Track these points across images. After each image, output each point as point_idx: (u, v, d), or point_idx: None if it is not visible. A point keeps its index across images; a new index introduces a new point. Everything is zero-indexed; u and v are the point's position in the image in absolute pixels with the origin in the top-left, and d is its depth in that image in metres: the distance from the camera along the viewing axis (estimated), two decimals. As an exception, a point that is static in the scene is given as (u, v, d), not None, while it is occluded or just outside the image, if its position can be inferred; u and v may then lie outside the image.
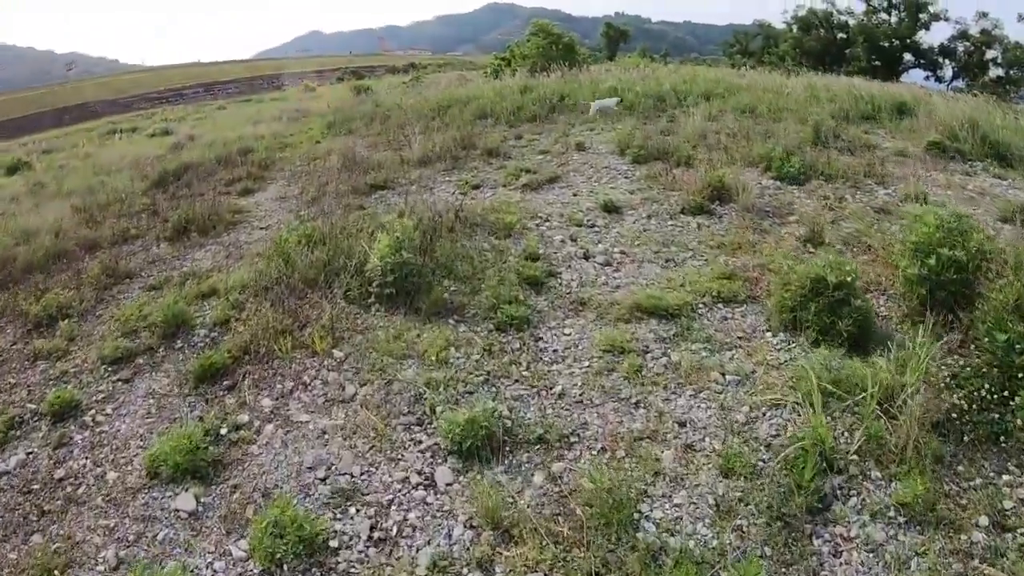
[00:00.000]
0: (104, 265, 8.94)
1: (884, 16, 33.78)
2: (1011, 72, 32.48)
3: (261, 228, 10.39)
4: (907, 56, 34.34)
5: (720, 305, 6.78)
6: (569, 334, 6.35)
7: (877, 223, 8.62)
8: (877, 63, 32.90)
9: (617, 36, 50.14)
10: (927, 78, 34.31)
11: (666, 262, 7.71)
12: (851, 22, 35.06)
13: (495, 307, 6.57)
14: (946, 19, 33.74)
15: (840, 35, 34.86)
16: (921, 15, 33.29)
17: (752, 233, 8.38)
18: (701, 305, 6.78)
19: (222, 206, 11.23)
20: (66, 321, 7.56)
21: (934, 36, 33.98)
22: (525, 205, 9.66)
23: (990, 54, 33.06)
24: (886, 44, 33.41)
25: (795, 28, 37.46)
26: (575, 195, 10.09)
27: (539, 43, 22.47)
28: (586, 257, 7.80)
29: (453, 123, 15.46)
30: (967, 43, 33.15)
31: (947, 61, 33.94)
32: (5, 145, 25.93)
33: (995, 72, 33.30)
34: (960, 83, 33.65)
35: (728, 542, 4.20)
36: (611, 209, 9.21)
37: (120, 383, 6.39)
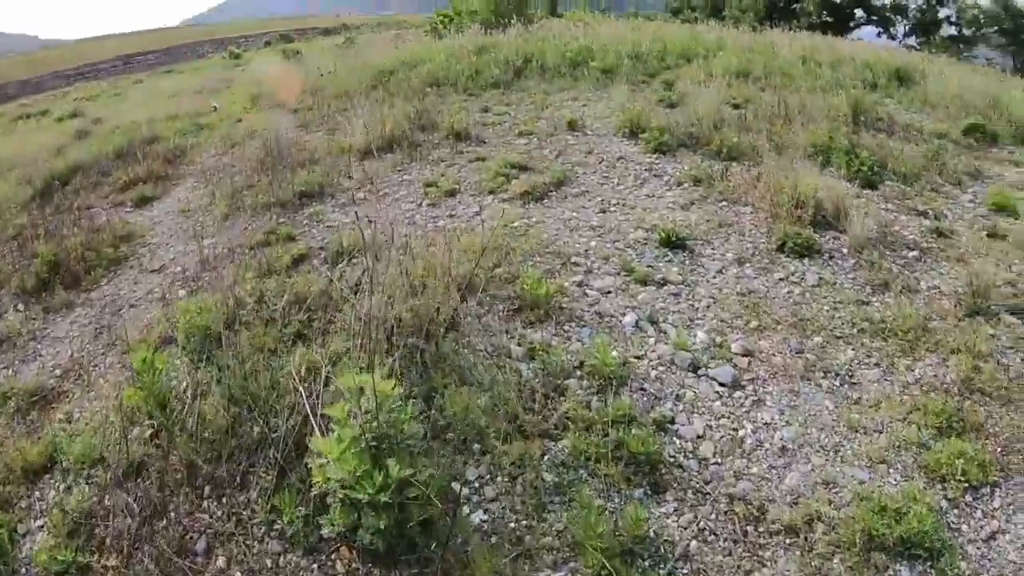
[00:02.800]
0: None
1: (836, -29, 30.37)
2: (964, 31, 29.74)
3: (152, 271, 6.50)
4: (858, 12, 31.19)
5: (967, 497, 3.37)
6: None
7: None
8: (828, 19, 29.48)
9: (558, -11, 43.86)
10: (879, 35, 31.11)
11: (824, 376, 4.12)
12: (801, -24, 31.45)
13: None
14: (899, -25, 30.67)
15: (790, -11, 31.27)
16: (875, -30, 30.19)
17: (902, 298, 4.98)
18: (944, 502, 3.33)
19: (103, 235, 7.27)
20: None
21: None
22: (539, 234, 5.92)
23: (943, 12, 30.14)
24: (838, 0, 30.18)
25: (743, -19, 33.37)
26: (604, 211, 6.40)
27: (488, -3, 18.03)
28: (695, 369, 4.12)
29: (400, 93, 11.33)
30: (920, 1, 30.24)
31: (899, 18, 30.89)
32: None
33: (948, 31, 30.56)
34: (912, 40, 30.72)
35: None
36: (675, 244, 5.57)
37: None
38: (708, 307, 4.79)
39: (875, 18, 31.11)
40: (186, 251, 6.66)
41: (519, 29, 15.12)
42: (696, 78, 11.01)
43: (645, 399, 3.87)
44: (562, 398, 3.78)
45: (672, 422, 3.70)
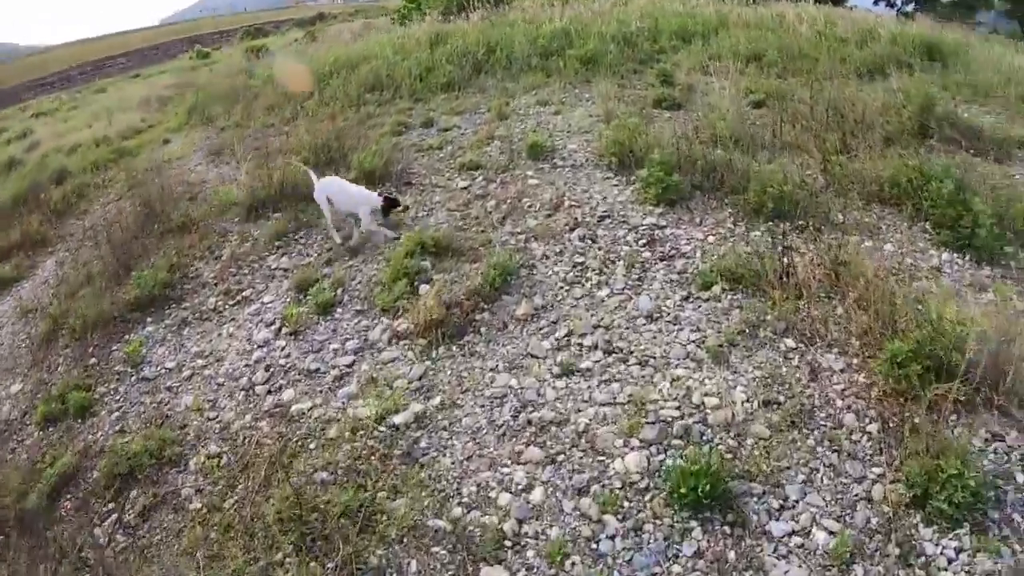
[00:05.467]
0: None
1: (829, -63, 25.83)
2: (969, -5, 25.36)
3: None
4: (854, -20, 27.09)
5: None
6: None
7: None
8: (823, -13, 25.54)
9: (533, -38, 38.07)
10: (876, 2, 27.16)
11: None
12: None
13: None
14: (896, -63, 26.28)
15: (780, -43, 26.71)
16: (868, -66, 25.84)
17: None
18: None
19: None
20: None
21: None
22: (430, 465, 3.02)
23: (945, -24, 25.91)
24: (833, -33, 25.76)
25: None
26: (566, 373, 3.45)
27: (453, -24, 14.76)
28: None
29: (333, 102, 8.74)
30: (921, -37, 25.86)
31: (898, -16, 26.72)
32: None
33: (949, -4, 26.27)
34: (910, 8, 26.52)
35: None
36: (710, 502, 2.55)
37: None
38: None
39: (872, -15, 26.73)
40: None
41: (485, 12, 11.84)
42: (699, 64, 8.16)
43: None
44: None
45: None
